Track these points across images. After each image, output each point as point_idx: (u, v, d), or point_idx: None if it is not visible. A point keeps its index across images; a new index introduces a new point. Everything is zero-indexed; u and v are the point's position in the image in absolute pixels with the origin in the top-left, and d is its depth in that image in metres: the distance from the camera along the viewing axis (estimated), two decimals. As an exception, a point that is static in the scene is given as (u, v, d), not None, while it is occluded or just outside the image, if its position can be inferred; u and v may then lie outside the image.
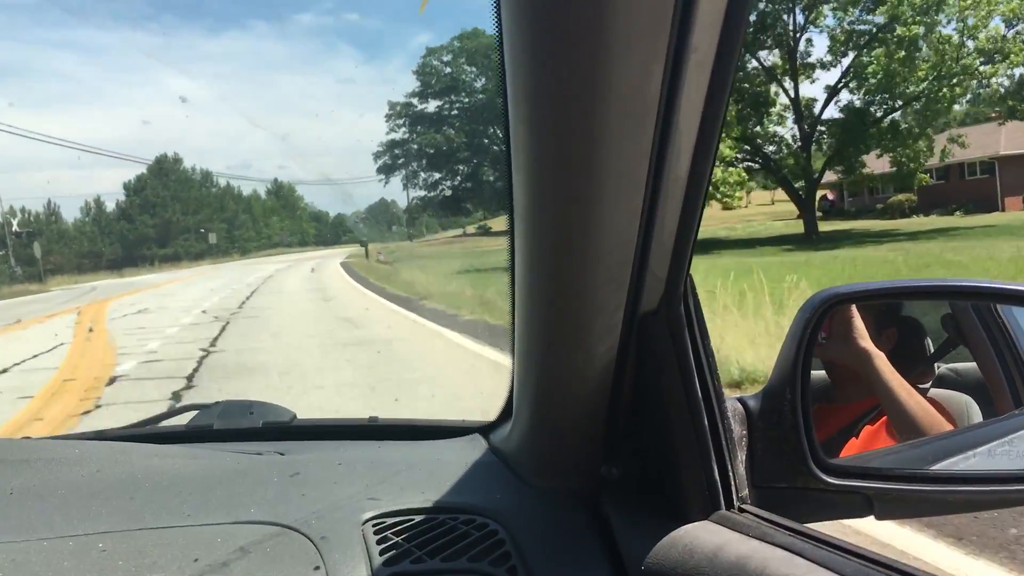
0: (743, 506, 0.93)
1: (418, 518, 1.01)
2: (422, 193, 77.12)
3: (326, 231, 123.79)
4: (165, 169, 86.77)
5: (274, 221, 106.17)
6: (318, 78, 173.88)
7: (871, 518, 1.01)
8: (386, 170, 79.68)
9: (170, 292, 26.69)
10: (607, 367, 0.92)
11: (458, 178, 70.55)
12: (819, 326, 1.02)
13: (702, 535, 0.88)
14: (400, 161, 76.99)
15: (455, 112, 70.41)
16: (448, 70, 69.47)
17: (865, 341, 1.11)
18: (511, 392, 1.09)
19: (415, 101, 73.80)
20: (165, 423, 1.59)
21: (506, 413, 1.18)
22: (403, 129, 75.24)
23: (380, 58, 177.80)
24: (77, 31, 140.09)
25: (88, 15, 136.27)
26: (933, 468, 1.05)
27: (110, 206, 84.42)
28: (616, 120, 0.69)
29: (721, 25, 0.69)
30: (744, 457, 0.99)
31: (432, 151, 70.82)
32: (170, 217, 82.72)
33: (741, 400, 1.01)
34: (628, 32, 0.63)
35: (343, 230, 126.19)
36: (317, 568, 0.90)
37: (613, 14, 0.61)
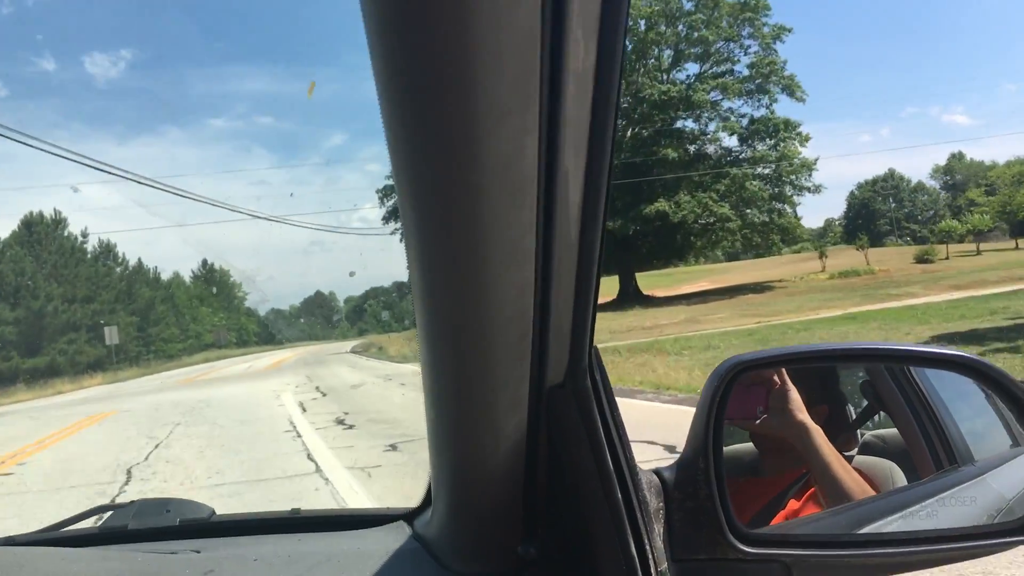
0: None
1: None
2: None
3: (260, 331, 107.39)
4: (37, 235, 50.95)
5: (204, 313, 72.46)
6: (232, 182, 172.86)
7: None
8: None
9: None
10: (518, 443, 0.96)
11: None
12: (727, 394, 1.09)
13: None
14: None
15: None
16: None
17: (803, 414, 1.16)
18: (430, 476, 1.15)
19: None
20: (77, 525, 1.56)
21: (428, 498, 1.23)
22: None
23: (296, 158, 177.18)
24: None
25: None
26: (853, 533, 1.12)
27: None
28: (495, 194, 0.72)
29: (591, 96, 0.75)
30: (662, 530, 1.03)
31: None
32: (42, 307, 46.72)
33: (657, 472, 1.07)
34: (496, 105, 0.67)
35: (276, 328, 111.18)
36: None
37: (479, 88, 0.65)
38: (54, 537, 1.48)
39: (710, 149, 50.23)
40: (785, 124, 47.54)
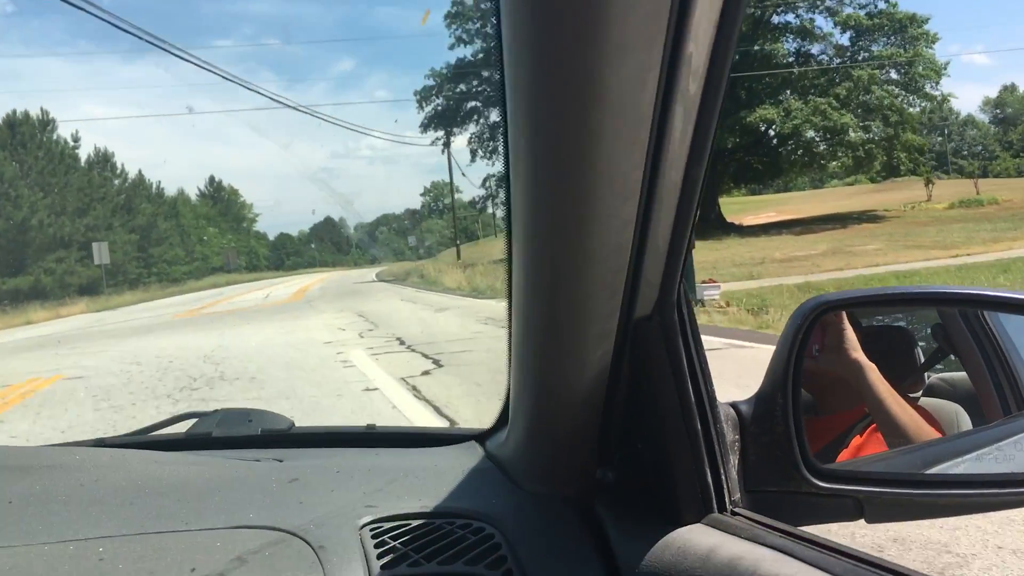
0: (736, 509, 1.02)
1: (415, 523, 1.08)
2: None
3: (271, 255, 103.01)
4: (21, 136, 42.72)
5: (212, 234, 64.99)
6: (240, 103, 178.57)
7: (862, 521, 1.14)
8: (444, 120, 37.33)
9: None
10: (601, 373, 1.02)
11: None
12: (810, 332, 1.14)
13: (695, 537, 0.94)
14: (472, 105, 35.35)
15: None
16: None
17: (857, 353, 1.21)
18: (507, 398, 1.21)
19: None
20: (164, 431, 1.62)
21: (502, 420, 1.30)
22: (480, 39, 34.46)
23: (303, 82, 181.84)
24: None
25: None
26: (924, 472, 1.19)
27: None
28: (611, 127, 0.75)
29: (713, 37, 0.76)
30: (737, 461, 1.08)
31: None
32: (26, 219, 38.72)
33: (734, 405, 1.12)
34: (623, 40, 0.68)
35: (286, 253, 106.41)
36: (316, 573, 0.97)
37: (609, 22, 0.66)
38: (143, 440, 1.53)
39: (814, 49, 43.78)
40: (911, 19, 41.01)
